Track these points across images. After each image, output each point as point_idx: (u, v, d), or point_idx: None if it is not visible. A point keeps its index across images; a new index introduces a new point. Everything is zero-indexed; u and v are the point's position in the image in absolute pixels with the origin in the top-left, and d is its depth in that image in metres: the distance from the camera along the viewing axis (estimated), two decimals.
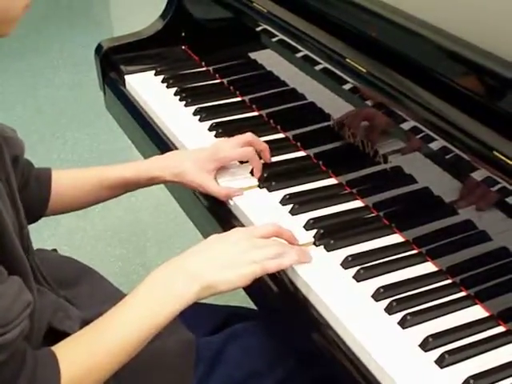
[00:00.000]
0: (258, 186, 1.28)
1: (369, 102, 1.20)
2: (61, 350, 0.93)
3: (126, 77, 1.67)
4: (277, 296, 1.11)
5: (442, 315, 1.00)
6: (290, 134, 1.42)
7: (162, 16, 1.78)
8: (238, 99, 1.57)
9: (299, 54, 1.36)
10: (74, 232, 2.51)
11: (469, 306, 1.02)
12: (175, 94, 1.59)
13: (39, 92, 3.51)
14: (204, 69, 1.70)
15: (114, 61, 1.73)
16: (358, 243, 1.13)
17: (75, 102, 3.40)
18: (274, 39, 1.43)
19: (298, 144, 1.39)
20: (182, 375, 1.12)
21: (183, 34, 1.78)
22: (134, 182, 1.27)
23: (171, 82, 1.63)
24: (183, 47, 1.78)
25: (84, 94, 3.42)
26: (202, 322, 1.24)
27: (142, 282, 1.00)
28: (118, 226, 2.54)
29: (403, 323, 0.98)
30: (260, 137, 1.40)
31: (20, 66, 3.76)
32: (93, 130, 3.13)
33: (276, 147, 1.37)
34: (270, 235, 1.08)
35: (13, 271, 0.92)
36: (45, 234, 2.43)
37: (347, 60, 1.22)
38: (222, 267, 1.01)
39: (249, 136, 1.31)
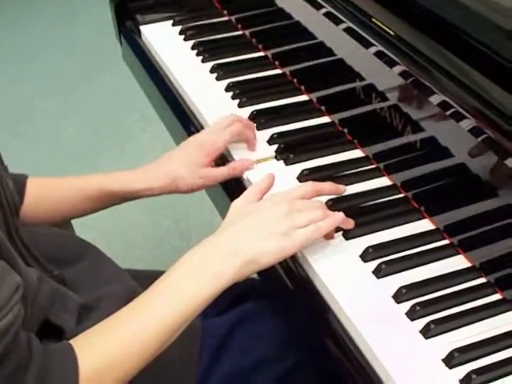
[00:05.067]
0: (275, 158, 1.16)
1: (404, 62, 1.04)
2: (80, 342, 0.85)
3: (142, 27, 1.54)
4: (289, 286, 1.00)
5: (473, 322, 0.87)
6: (314, 96, 1.28)
7: None
8: (260, 54, 1.43)
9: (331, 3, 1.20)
10: None
11: (507, 311, 0.88)
12: (192, 48, 1.46)
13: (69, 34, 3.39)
14: (226, 18, 1.55)
15: (130, 9, 1.59)
16: (381, 230, 1.00)
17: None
18: None
19: (323, 108, 1.25)
20: (183, 367, 1.04)
21: None
22: (117, 195, 1.16)
23: (189, 33, 1.49)
24: None
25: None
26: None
27: (175, 264, 0.90)
28: None
29: (426, 332, 0.85)
30: (282, 99, 1.29)
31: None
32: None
33: (298, 111, 1.24)
34: (310, 196, 0.97)
35: None
36: None
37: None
38: (262, 237, 0.90)
39: (230, 118, 1.18)
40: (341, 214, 0.96)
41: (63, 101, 2.92)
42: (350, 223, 0.98)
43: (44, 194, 1.15)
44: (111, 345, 0.84)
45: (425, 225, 1.01)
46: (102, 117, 2.80)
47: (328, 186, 1.01)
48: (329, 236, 0.98)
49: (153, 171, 1.16)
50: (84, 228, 1.42)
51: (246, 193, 0.99)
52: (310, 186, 0.99)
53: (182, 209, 2.32)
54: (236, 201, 0.98)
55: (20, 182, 1.12)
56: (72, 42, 3.29)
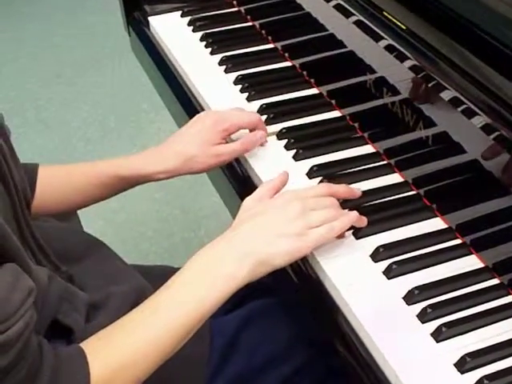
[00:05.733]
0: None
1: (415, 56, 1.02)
2: (91, 345, 0.83)
3: (150, 18, 1.51)
4: (298, 286, 0.99)
5: (486, 325, 0.85)
6: (324, 90, 1.26)
7: None
8: (270, 46, 1.40)
9: None
10: None
11: None
12: (201, 40, 1.43)
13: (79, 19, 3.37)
14: (235, 9, 1.53)
15: None
16: (392, 229, 0.98)
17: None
18: None
19: (333, 102, 1.23)
20: (194, 367, 1.02)
21: None
22: (128, 179, 1.11)
23: (198, 24, 1.47)
24: None
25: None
26: None
27: (186, 264, 0.89)
28: None
29: (437, 336, 0.83)
30: (291, 92, 1.27)
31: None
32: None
33: (307, 105, 1.22)
34: (323, 196, 0.95)
35: (6, 261, 0.80)
36: None
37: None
38: (276, 237, 0.88)
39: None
40: (355, 213, 0.94)
41: (71, 90, 2.90)
42: (363, 221, 0.96)
43: (54, 181, 1.11)
44: (125, 346, 0.83)
45: (437, 223, 0.99)
46: (111, 106, 2.79)
47: (343, 188, 0.98)
48: (340, 235, 0.96)
49: (163, 153, 1.10)
50: (93, 221, 1.41)
51: (257, 190, 0.97)
52: (325, 187, 0.97)
53: (189, 199, 2.31)
54: (247, 199, 0.96)
55: (31, 172, 1.08)
56: (80, 31, 3.27)
